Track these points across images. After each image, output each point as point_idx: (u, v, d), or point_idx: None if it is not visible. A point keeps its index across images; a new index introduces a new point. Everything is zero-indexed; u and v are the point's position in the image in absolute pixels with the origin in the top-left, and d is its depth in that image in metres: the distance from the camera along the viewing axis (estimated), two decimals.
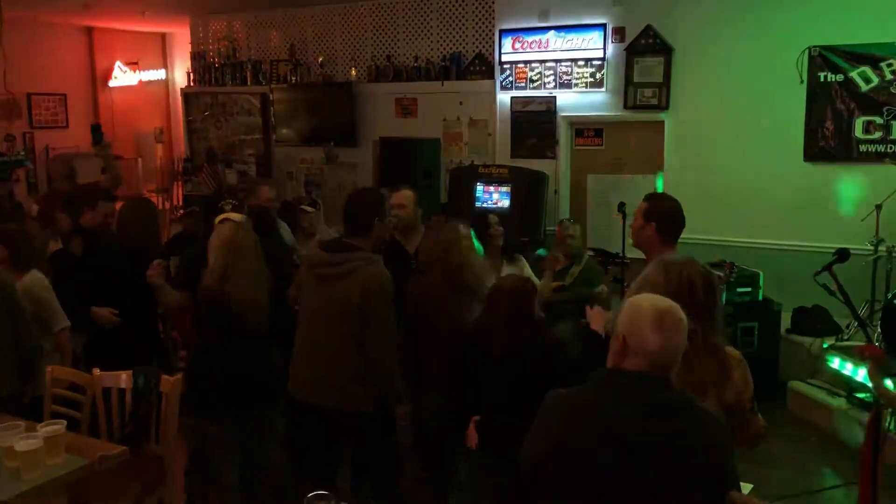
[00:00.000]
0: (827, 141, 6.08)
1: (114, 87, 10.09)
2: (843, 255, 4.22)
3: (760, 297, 5.63)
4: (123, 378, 3.39)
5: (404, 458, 3.76)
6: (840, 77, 5.97)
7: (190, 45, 9.41)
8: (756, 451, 2.58)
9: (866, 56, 5.86)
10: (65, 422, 2.82)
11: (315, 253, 3.36)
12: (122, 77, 10.11)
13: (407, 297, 3.57)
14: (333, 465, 3.36)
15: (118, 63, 10.06)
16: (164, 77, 10.70)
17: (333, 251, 3.27)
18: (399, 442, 3.67)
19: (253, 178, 8.55)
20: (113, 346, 3.96)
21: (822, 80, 6.04)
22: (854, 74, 5.92)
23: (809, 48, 6.04)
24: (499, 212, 6.92)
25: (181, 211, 8.93)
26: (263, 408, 3.52)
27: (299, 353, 3.33)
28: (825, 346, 5.41)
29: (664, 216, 3.24)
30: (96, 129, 7.32)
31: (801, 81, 6.09)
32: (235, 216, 4.00)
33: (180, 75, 10.20)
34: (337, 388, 3.18)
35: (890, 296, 5.02)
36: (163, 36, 10.65)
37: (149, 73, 10.47)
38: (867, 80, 5.88)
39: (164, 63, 10.74)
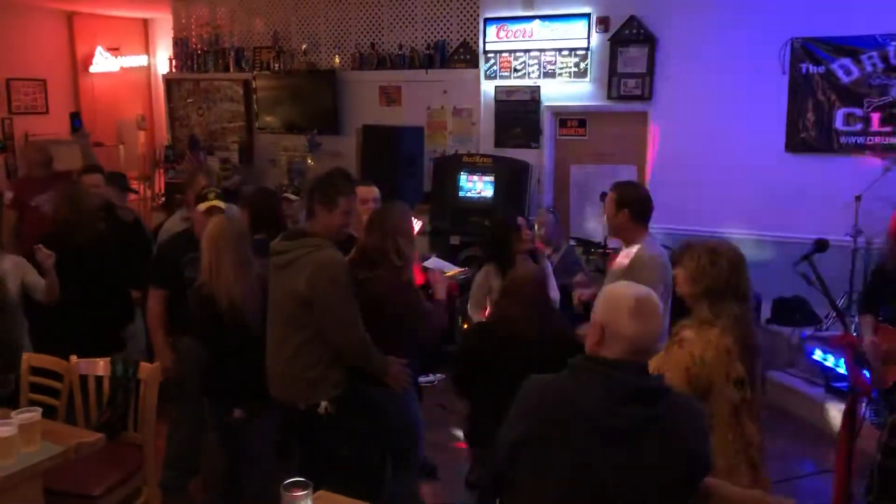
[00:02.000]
0: (808, 132, 6.12)
1: (95, 73, 9.95)
2: (821, 245, 4.25)
3: None
4: (101, 365, 3.37)
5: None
6: (821, 69, 6.00)
7: (172, 31, 9.32)
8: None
9: (847, 48, 5.89)
10: (40, 409, 2.80)
11: (275, 242, 3.22)
12: (104, 63, 9.97)
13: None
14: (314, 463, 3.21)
15: (99, 48, 9.91)
16: (146, 63, 10.58)
17: (287, 239, 3.14)
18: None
19: (191, 169, 8.23)
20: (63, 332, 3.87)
21: (803, 71, 6.07)
22: (835, 66, 5.95)
23: (791, 39, 6.07)
24: (483, 201, 6.94)
25: (163, 199, 8.87)
26: (256, 402, 3.43)
27: (267, 346, 3.23)
28: (804, 336, 5.46)
29: (635, 202, 3.41)
30: (74, 117, 7.21)
31: (784, 72, 6.12)
32: (221, 204, 3.93)
33: (162, 62, 10.08)
34: (291, 384, 3.09)
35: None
36: (144, 21, 10.52)
37: (130, 59, 10.33)
38: (848, 73, 5.92)
39: (146, 49, 10.61)
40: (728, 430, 2.49)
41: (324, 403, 3.08)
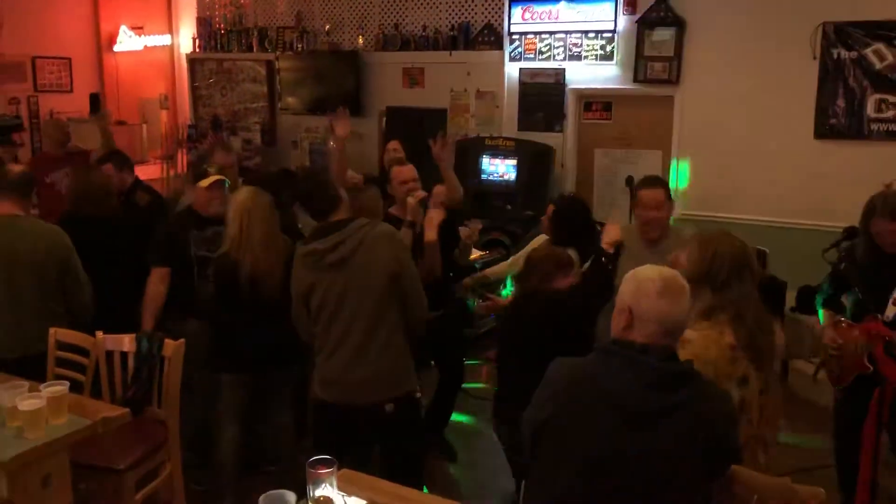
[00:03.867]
0: (838, 119, 6.01)
1: (119, 52, 9.99)
2: (851, 233, 4.18)
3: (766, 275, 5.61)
4: (126, 341, 3.41)
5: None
6: (853, 54, 5.88)
7: (196, 11, 9.32)
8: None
9: (881, 33, 5.77)
10: (67, 383, 2.83)
11: (309, 247, 2.99)
12: (128, 42, 10.00)
13: None
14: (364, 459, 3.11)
15: (123, 27, 9.95)
16: (169, 42, 10.60)
17: (329, 234, 2.94)
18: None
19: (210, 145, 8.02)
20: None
21: (835, 56, 5.95)
22: (868, 51, 5.83)
23: (823, 24, 5.94)
24: (505, 185, 6.90)
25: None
26: (274, 373, 3.53)
27: (331, 355, 2.97)
28: None
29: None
30: (95, 98, 7.29)
31: (814, 58, 6.01)
32: (223, 177, 3.92)
33: (186, 41, 10.11)
34: (380, 384, 2.93)
35: None
36: (168, 0, 10.54)
37: (154, 39, 10.36)
38: (881, 58, 5.80)
39: (170, 28, 10.62)
40: None
41: (418, 394, 3.05)
